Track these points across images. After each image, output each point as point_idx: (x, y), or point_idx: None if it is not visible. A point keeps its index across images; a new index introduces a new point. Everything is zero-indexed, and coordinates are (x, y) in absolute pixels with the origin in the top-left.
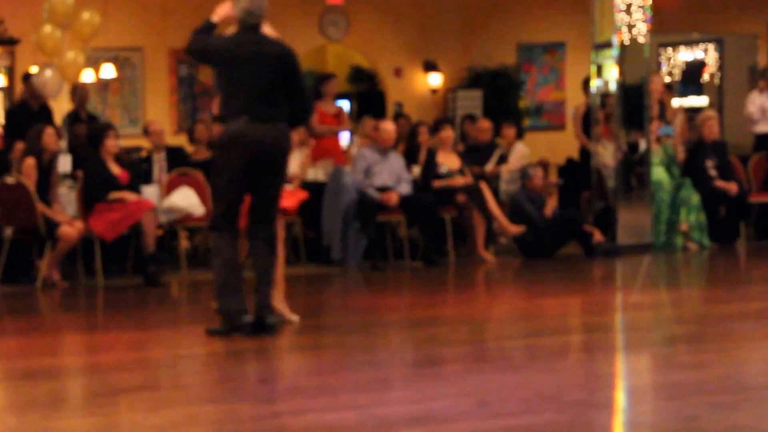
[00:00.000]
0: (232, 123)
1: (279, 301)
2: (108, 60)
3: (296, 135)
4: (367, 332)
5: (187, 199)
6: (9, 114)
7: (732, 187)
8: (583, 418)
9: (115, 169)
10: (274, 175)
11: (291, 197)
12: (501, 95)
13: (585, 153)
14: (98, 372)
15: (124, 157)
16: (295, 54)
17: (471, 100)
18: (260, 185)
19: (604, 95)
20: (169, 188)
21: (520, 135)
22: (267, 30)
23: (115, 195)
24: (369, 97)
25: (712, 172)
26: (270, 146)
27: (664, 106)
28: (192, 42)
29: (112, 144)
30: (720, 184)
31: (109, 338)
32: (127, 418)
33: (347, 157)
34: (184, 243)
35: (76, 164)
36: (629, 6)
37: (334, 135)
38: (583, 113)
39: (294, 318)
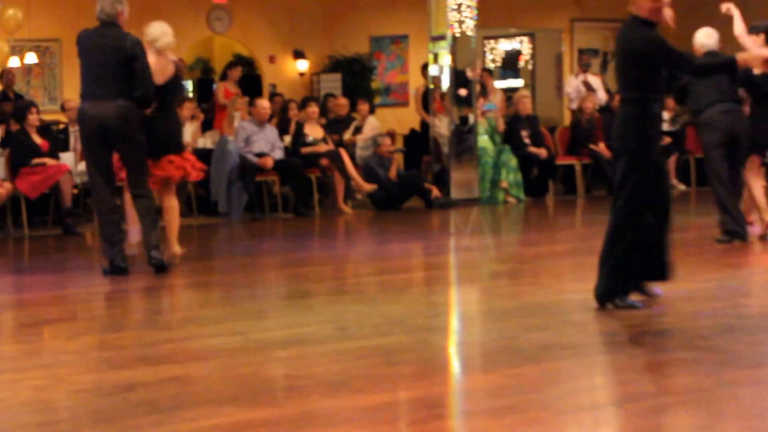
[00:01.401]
0: (82, 103)
1: (173, 245)
2: (31, 49)
3: (187, 110)
4: (247, 272)
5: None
6: None
7: (542, 152)
8: (424, 338)
9: (38, 139)
10: (124, 143)
11: (180, 165)
12: (356, 78)
13: (424, 125)
14: (25, 307)
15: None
16: (137, 45)
17: (332, 82)
18: (121, 153)
19: (439, 78)
20: (82, 154)
21: (372, 110)
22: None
23: (37, 161)
24: (248, 80)
25: (527, 140)
26: (108, 120)
27: (485, 86)
28: None
29: (34, 118)
30: (533, 149)
31: (33, 279)
32: (50, 344)
33: (230, 129)
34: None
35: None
36: (460, 5)
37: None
38: (422, 93)
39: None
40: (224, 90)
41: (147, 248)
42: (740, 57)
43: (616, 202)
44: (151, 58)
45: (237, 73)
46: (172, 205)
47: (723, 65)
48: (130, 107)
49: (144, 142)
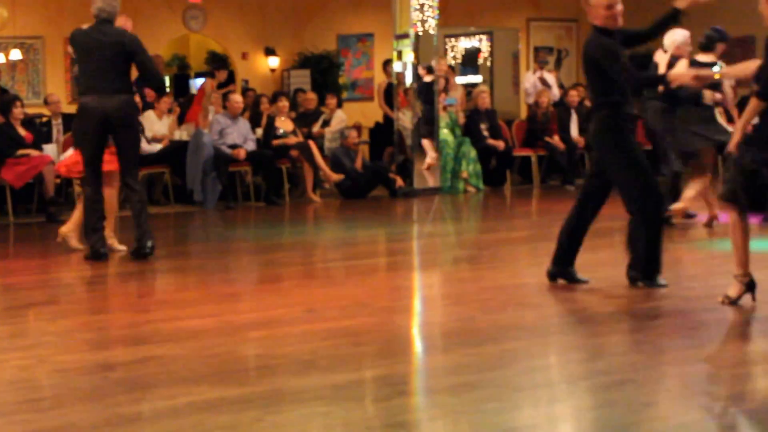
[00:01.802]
0: (83, 97)
1: (110, 237)
2: (15, 46)
3: (164, 104)
4: (221, 257)
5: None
6: None
7: (500, 144)
8: (388, 320)
9: (22, 131)
10: (124, 135)
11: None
12: (324, 74)
13: (388, 118)
14: (10, 290)
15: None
16: (135, 41)
17: (301, 78)
18: (117, 145)
19: (402, 74)
20: (65, 146)
21: (339, 104)
22: (121, 21)
23: (22, 152)
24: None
25: (485, 133)
26: (111, 113)
27: (448, 81)
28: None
29: (18, 111)
30: (491, 142)
31: (18, 264)
32: (34, 326)
33: (204, 122)
34: (77, 189)
35: None
36: (422, 5)
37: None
38: (384, 88)
39: (122, 248)
40: (210, 84)
41: (141, 237)
42: (670, 75)
43: (627, 200)
44: None
45: (224, 75)
46: (110, 194)
47: (656, 80)
48: (130, 101)
49: (140, 137)
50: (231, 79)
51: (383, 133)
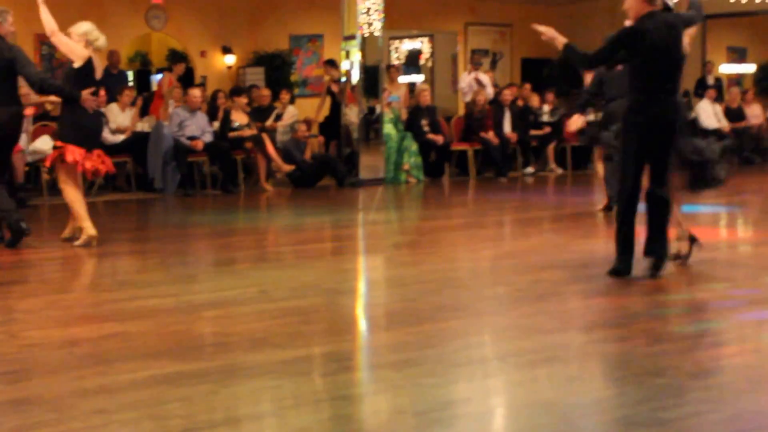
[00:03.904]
0: None
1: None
2: None
3: (126, 97)
4: (180, 241)
5: (47, 144)
6: None
7: (439, 139)
8: (335, 301)
9: None
10: (9, 145)
11: None
12: (278, 71)
13: (334, 113)
14: None
15: None
16: (16, 50)
17: (256, 75)
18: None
19: (349, 73)
20: (34, 136)
21: (291, 100)
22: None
23: None
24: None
25: (426, 128)
26: (7, 125)
27: (393, 81)
28: None
29: None
30: (431, 136)
31: None
32: (3, 304)
33: (165, 115)
34: (45, 176)
35: None
36: (368, 9)
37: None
38: (327, 86)
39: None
40: (169, 79)
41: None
42: None
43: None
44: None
45: (181, 68)
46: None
47: None
48: (21, 113)
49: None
50: (189, 74)
51: (332, 127)
